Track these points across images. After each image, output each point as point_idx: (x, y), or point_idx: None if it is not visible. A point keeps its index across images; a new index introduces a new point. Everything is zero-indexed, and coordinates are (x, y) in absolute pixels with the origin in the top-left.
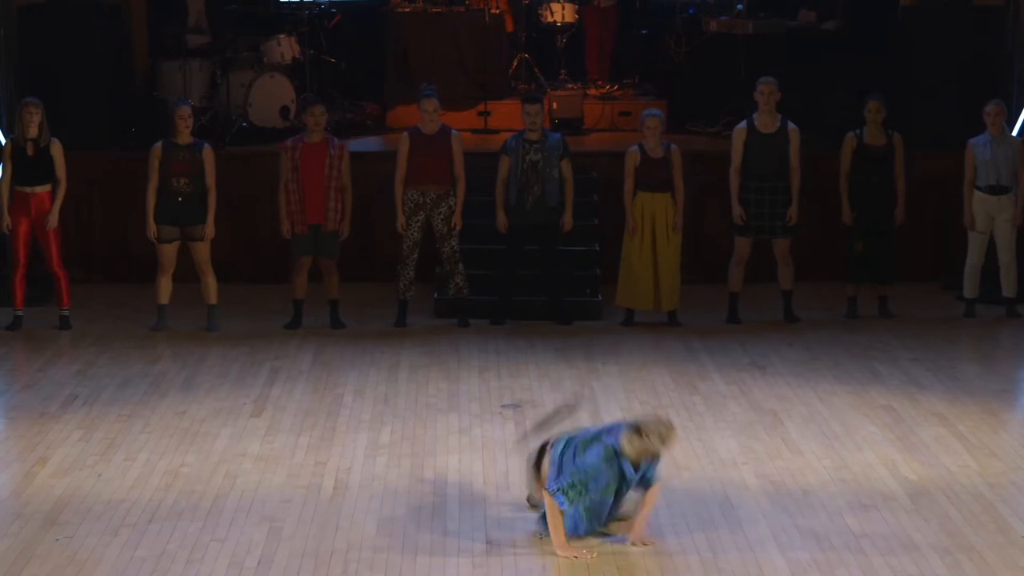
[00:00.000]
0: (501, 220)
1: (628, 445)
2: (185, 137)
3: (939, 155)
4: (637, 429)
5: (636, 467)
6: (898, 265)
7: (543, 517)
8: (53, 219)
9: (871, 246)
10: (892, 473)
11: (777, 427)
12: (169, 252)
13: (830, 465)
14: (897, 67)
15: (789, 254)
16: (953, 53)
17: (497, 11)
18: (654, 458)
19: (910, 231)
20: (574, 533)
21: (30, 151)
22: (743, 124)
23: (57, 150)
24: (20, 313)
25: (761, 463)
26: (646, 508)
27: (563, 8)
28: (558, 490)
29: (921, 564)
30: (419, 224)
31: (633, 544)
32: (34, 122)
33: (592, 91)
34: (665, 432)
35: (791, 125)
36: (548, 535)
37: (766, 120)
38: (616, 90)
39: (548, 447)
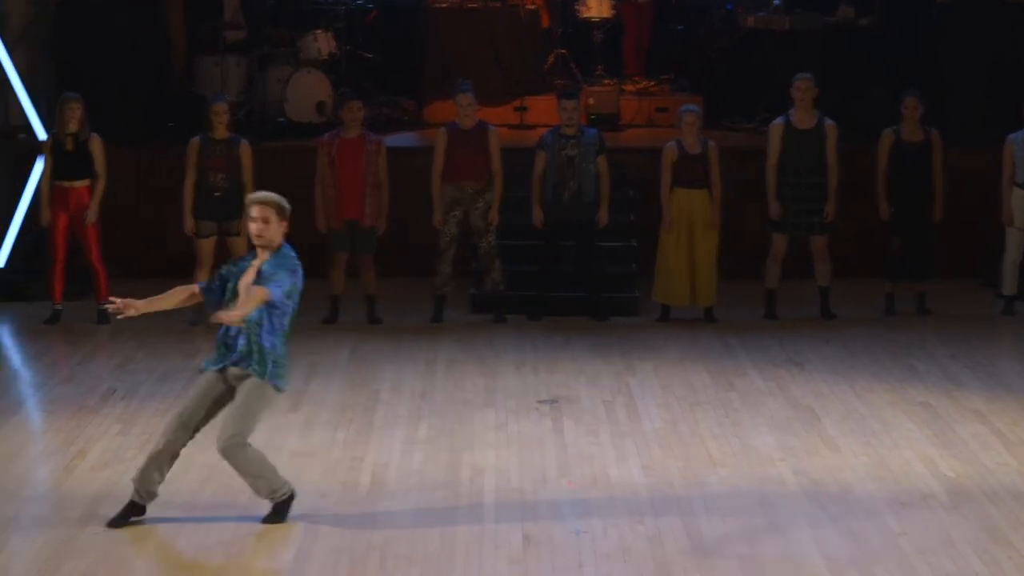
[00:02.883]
0: (537, 216)
1: None
2: (222, 132)
3: (975, 151)
4: None
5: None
6: (936, 262)
7: None
8: (92, 214)
9: (909, 243)
10: (930, 471)
11: (815, 424)
12: (206, 247)
13: (868, 462)
14: (932, 63)
15: (826, 251)
16: (988, 49)
17: (533, 7)
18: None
19: (947, 228)
20: None
21: (69, 146)
22: (780, 120)
23: (96, 145)
24: (59, 307)
25: (799, 460)
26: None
27: (600, 4)
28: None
29: (959, 562)
30: (456, 219)
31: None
32: (75, 117)
33: (628, 87)
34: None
35: (828, 121)
36: (583, 533)
37: (803, 116)
38: (653, 86)
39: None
